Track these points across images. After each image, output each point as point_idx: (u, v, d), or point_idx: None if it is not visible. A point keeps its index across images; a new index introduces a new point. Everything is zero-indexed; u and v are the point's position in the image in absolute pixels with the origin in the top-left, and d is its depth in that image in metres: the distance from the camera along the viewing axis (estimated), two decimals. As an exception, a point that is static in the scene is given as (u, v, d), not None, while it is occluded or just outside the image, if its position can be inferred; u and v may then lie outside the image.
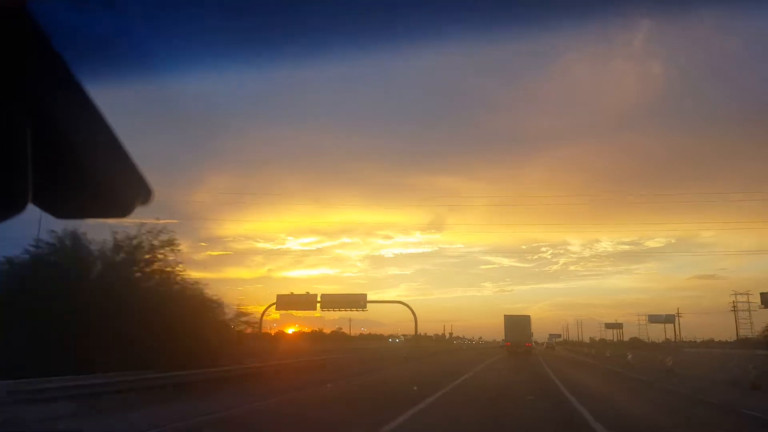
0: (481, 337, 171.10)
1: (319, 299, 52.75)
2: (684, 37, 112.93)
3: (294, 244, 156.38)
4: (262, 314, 54.00)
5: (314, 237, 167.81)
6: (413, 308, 50.87)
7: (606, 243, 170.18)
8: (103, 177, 1.12)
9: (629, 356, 42.41)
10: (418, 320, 50.56)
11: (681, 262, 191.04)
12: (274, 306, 52.93)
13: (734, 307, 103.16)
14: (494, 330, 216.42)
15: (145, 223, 19.79)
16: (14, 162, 0.96)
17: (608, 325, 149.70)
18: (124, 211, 1.19)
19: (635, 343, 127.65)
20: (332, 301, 53.15)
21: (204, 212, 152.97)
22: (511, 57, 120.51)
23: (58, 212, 1.15)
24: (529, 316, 55.98)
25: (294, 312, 52.29)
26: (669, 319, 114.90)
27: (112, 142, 1.13)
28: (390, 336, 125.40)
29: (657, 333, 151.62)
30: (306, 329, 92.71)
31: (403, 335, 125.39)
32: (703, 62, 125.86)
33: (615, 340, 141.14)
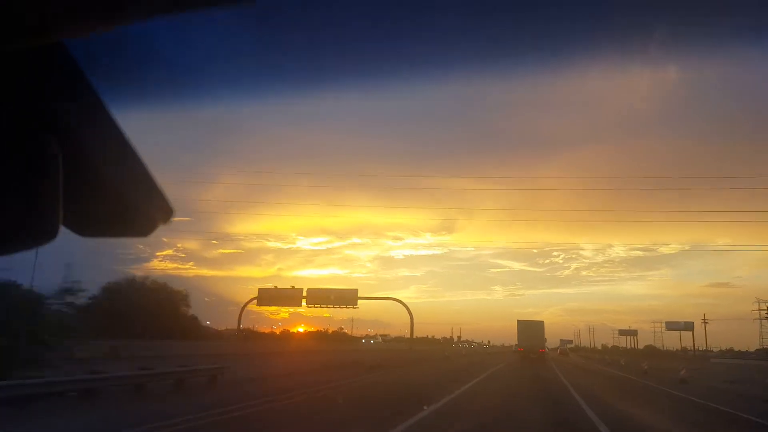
0: (489, 341, 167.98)
1: (304, 294, 48.04)
2: (699, 44, 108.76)
3: (304, 243, 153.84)
4: (242, 310, 49.55)
5: (325, 237, 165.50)
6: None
7: (619, 248, 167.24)
8: (128, 199, 1.18)
9: (645, 366, 40.32)
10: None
11: (696, 269, 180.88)
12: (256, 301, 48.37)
13: (759, 315, 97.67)
14: (503, 334, 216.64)
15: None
16: (47, 191, 1.01)
17: (622, 332, 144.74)
18: (145, 230, 1.25)
19: (650, 351, 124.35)
20: (319, 297, 48.20)
21: (216, 211, 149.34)
22: (525, 59, 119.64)
23: (84, 232, 1.20)
24: (542, 321, 54.91)
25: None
26: (688, 326, 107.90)
27: (138, 166, 1.18)
28: (370, 336, 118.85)
29: (672, 341, 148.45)
30: (312, 329, 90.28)
31: (403, 336, 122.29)
32: (720, 67, 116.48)
33: (627, 347, 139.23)
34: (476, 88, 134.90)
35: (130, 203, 1.18)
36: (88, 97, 1.06)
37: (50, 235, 1.03)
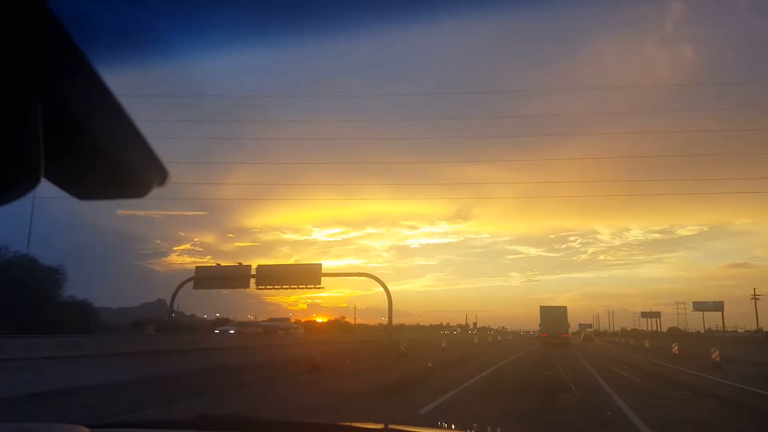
0: (503, 327, 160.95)
1: (253, 272, 38.80)
2: (716, 21, 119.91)
3: (320, 234, 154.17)
4: (174, 294, 40.42)
5: (340, 228, 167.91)
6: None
7: (636, 232, 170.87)
8: (118, 158, 1.16)
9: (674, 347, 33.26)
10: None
11: (713, 251, 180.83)
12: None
13: None
14: (522, 320, 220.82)
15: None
16: (25, 139, 1.00)
17: (644, 314, 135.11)
18: (141, 192, 1.24)
19: (675, 334, 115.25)
20: (272, 276, 38.89)
21: (232, 205, 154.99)
22: (540, 42, 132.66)
23: (78, 193, 1.19)
24: (565, 307, 54.49)
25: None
26: (717, 306, 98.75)
27: (126, 124, 1.17)
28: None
29: (695, 323, 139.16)
30: (325, 318, 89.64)
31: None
32: (737, 45, 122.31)
33: (648, 330, 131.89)
34: (490, 74, 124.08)
35: (121, 162, 1.17)
36: (69, 51, 1.04)
37: (31, 184, 1.02)
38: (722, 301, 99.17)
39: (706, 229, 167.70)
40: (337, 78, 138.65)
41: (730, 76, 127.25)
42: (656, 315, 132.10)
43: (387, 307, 40.83)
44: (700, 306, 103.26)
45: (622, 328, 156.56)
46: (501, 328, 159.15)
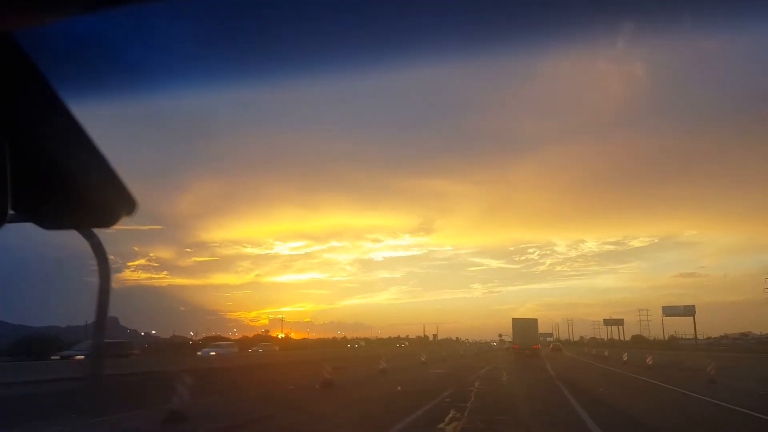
0: (457, 337, 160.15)
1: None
2: (666, 38, 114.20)
3: (282, 248, 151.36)
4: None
5: (303, 241, 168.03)
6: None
7: (591, 243, 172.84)
8: (86, 188, 1.16)
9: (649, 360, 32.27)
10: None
11: (664, 261, 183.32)
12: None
13: None
14: (484, 331, 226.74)
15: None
16: None
17: (607, 322, 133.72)
18: (109, 222, 1.25)
19: (639, 342, 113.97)
20: None
21: (190, 218, 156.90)
22: (496, 59, 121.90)
23: (45, 223, 1.19)
24: (536, 319, 56.88)
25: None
26: (688, 311, 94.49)
27: (94, 155, 1.16)
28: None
29: (656, 330, 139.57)
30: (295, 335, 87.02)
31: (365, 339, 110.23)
32: (686, 63, 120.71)
33: (608, 338, 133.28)
34: (450, 90, 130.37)
35: (90, 194, 1.15)
36: (38, 86, 1.05)
37: None
38: (693, 305, 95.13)
39: (656, 241, 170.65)
40: (298, 90, 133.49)
41: (680, 93, 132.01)
42: (619, 322, 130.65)
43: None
44: (669, 311, 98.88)
45: (581, 336, 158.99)
46: (456, 338, 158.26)
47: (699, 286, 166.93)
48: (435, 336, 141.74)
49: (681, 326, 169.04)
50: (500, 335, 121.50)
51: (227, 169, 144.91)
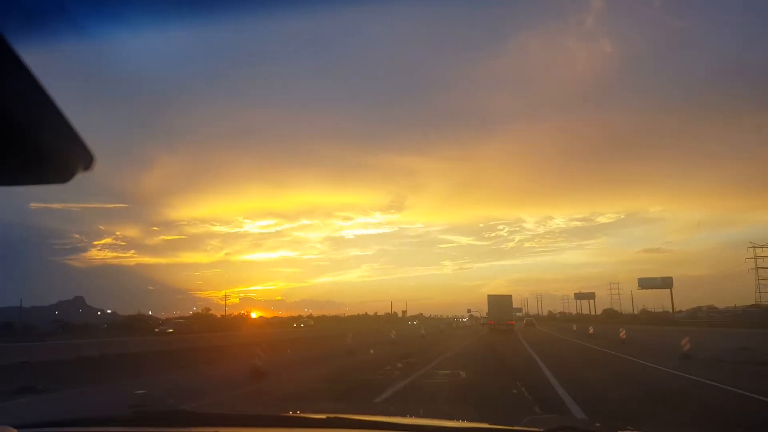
0: (421, 313, 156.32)
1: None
2: (634, 17, 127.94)
3: (252, 227, 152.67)
4: None
5: (273, 219, 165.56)
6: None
7: (559, 220, 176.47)
8: (39, 141, 1.09)
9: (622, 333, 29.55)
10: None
11: (630, 237, 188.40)
12: None
13: (755, 264, 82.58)
14: (455, 307, 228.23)
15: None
16: None
17: (578, 295, 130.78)
18: (64, 177, 1.17)
19: (611, 315, 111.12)
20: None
21: (157, 196, 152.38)
22: (467, 35, 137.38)
23: None
24: (510, 295, 57.08)
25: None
26: (666, 282, 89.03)
27: (48, 106, 1.09)
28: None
29: (626, 305, 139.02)
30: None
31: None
32: (653, 42, 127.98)
33: (576, 312, 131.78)
34: (420, 67, 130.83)
35: (43, 145, 1.09)
36: None
37: None
38: (671, 277, 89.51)
39: (623, 217, 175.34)
40: (268, 65, 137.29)
41: (647, 71, 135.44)
42: (590, 296, 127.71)
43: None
44: (646, 283, 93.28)
45: (549, 311, 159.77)
46: (430, 315, 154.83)
47: (664, 261, 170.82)
48: (404, 313, 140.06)
49: (652, 300, 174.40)
50: (469, 310, 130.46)
51: (195, 146, 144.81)
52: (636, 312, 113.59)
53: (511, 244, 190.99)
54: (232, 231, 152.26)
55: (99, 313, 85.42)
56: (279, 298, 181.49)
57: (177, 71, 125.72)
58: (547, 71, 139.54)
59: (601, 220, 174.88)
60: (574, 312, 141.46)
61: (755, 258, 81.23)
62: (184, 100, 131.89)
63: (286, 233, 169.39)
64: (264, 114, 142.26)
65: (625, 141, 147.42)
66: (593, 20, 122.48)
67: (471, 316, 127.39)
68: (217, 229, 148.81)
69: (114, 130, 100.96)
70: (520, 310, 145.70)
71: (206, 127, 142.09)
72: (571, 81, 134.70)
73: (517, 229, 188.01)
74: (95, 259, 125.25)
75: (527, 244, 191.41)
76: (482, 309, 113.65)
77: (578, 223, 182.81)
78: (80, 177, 1.17)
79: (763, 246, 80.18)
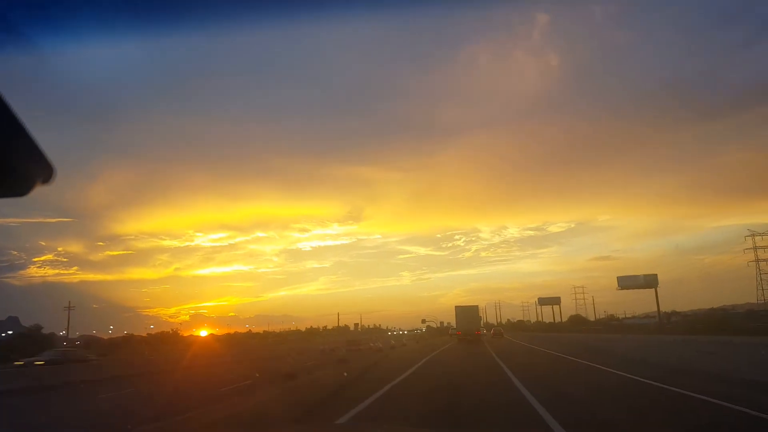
0: (378, 325, 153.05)
1: None
2: (578, 31, 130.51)
3: (204, 240, 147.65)
4: None
5: (225, 232, 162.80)
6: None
7: (513, 229, 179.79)
8: None
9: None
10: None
11: (580, 245, 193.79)
12: None
13: (756, 258, 75.55)
14: (412, 319, 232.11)
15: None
16: None
17: (542, 300, 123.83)
18: (22, 190, 1.14)
19: (579, 322, 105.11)
20: None
21: (101, 209, 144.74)
22: (419, 47, 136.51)
23: None
24: (477, 306, 59.21)
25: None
26: (649, 281, 78.89)
27: (9, 119, 1.07)
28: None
29: (589, 311, 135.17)
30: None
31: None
32: (597, 54, 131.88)
33: (536, 320, 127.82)
34: (374, 77, 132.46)
35: (2, 160, 1.07)
36: None
37: None
38: (655, 274, 79.18)
39: (573, 226, 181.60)
40: (220, 77, 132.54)
41: (593, 82, 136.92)
42: (555, 301, 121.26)
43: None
44: (626, 282, 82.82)
45: (508, 320, 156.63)
46: (385, 327, 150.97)
47: (614, 269, 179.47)
48: (356, 325, 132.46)
49: (612, 306, 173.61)
50: (423, 320, 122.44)
51: (144, 158, 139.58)
52: (600, 317, 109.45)
53: (468, 254, 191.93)
54: (182, 245, 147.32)
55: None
56: (232, 314, 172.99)
57: (125, 83, 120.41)
58: (497, 83, 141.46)
59: (553, 229, 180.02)
60: (533, 319, 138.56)
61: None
62: (133, 112, 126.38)
63: (240, 246, 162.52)
64: (216, 126, 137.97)
65: (574, 151, 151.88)
66: (539, 33, 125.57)
67: (428, 327, 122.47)
68: (167, 243, 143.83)
69: (60, 143, 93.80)
70: (479, 318, 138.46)
71: (156, 139, 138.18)
72: (521, 93, 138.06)
73: (473, 239, 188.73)
74: (34, 276, 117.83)
75: (483, 254, 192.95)
76: (443, 319, 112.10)
77: (531, 233, 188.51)
78: (38, 190, 1.12)
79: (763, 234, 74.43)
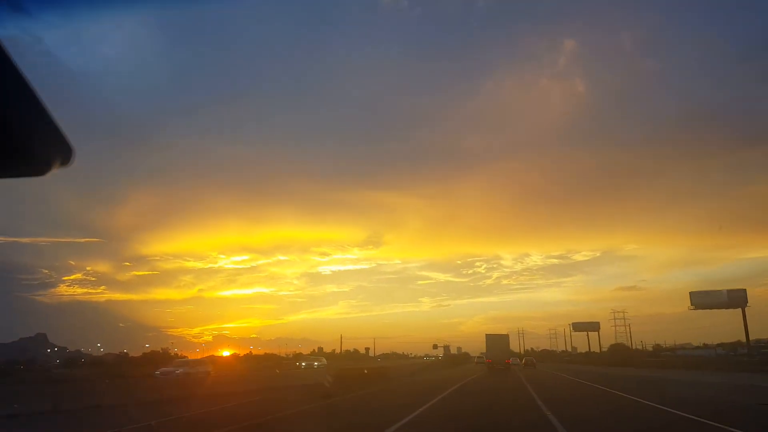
0: (394, 351, 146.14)
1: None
2: (605, 57, 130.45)
3: (226, 262, 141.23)
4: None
5: (247, 255, 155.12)
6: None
7: (536, 257, 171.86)
8: (16, 132, 1.03)
9: None
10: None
11: (605, 275, 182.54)
12: None
13: None
14: (430, 346, 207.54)
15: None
16: None
17: (577, 326, 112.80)
18: (41, 170, 1.13)
19: (620, 351, 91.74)
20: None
21: (129, 231, 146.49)
22: (443, 74, 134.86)
23: None
24: (507, 335, 59.09)
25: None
26: (735, 299, 65.97)
27: (27, 95, 1.04)
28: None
29: (636, 339, 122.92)
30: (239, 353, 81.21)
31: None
32: (625, 81, 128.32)
33: (561, 350, 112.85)
34: (398, 104, 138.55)
35: (20, 137, 1.04)
36: None
37: None
38: (744, 289, 67.11)
39: (598, 255, 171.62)
40: (244, 101, 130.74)
41: (619, 110, 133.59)
42: (593, 327, 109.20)
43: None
44: (702, 299, 69.76)
45: (532, 348, 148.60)
46: (403, 353, 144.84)
47: (638, 299, 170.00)
48: (367, 350, 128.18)
49: (649, 336, 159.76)
50: (435, 346, 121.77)
51: (170, 181, 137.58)
52: (641, 347, 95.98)
53: (488, 281, 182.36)
54: (205, 267, 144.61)
55: (56, 349, 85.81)
56: (254, 335, 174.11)
57: (152, 106, 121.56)
58: (522, 110, 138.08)
59: (577, 257, 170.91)
60: (560, 348, 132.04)
61: None
62: (160, 135, 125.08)
63: (262, 269, 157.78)
64: (240, 149, 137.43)
65: (600, 179, 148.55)
66: (566, 60, 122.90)
67: (445, 352, 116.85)
68: (191, 264, 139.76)
69: (88, 165, 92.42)
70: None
71: (181, 162, 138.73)
72: (546, 120, 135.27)
73: (494, 266, 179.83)
74: (64, 294, 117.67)
75: (505, 281, 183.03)
76: (461, 345, 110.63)
77: (555, 261, 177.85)
78: (57, 172, 1.10)
79: None
